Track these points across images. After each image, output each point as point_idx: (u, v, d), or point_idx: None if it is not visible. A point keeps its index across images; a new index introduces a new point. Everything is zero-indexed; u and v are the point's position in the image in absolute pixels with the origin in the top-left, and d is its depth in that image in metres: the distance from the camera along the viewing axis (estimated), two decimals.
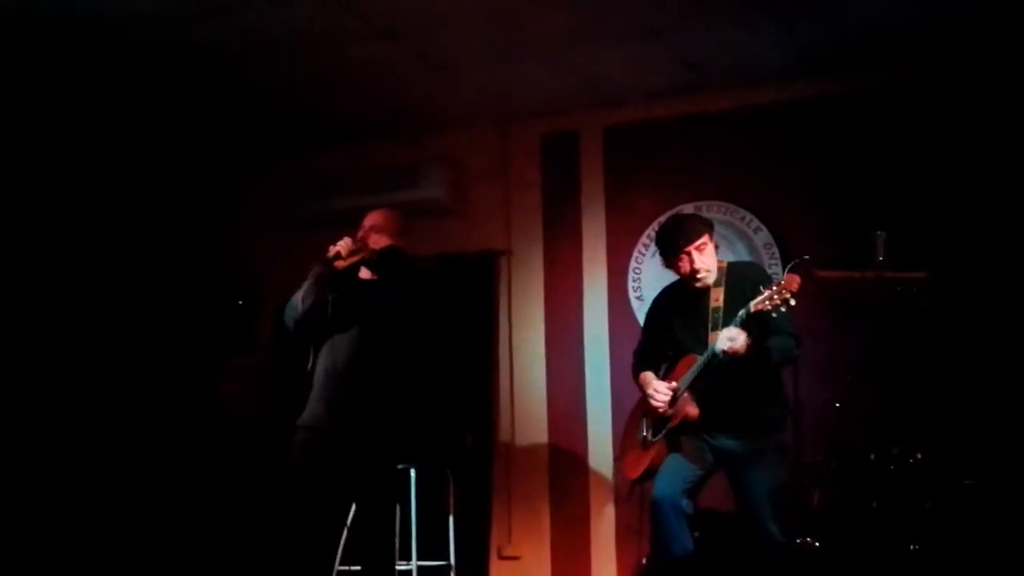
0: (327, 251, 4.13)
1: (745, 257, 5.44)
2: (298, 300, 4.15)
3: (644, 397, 4.18)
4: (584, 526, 5.74)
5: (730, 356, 3.73)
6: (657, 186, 5.79)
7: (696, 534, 3.97)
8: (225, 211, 6.60)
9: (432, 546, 5.37)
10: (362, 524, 4.16)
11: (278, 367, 5.93)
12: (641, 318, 5.61)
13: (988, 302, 4.88)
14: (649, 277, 5.71)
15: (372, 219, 4.32)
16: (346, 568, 4.67)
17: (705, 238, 3.96)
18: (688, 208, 5.58)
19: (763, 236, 5.52)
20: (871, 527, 4.29)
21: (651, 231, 5.74)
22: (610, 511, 5.68)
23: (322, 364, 4.19)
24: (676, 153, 5.77)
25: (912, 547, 4.18)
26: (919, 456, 4.40)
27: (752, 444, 3.89)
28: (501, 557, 5.89)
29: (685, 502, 3.89)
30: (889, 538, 4.24)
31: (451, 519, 5.41)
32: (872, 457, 4.41)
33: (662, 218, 5.51)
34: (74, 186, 6.03)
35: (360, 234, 4.26)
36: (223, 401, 6.09)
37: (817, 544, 4.31)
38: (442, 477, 5.50)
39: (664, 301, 4.27)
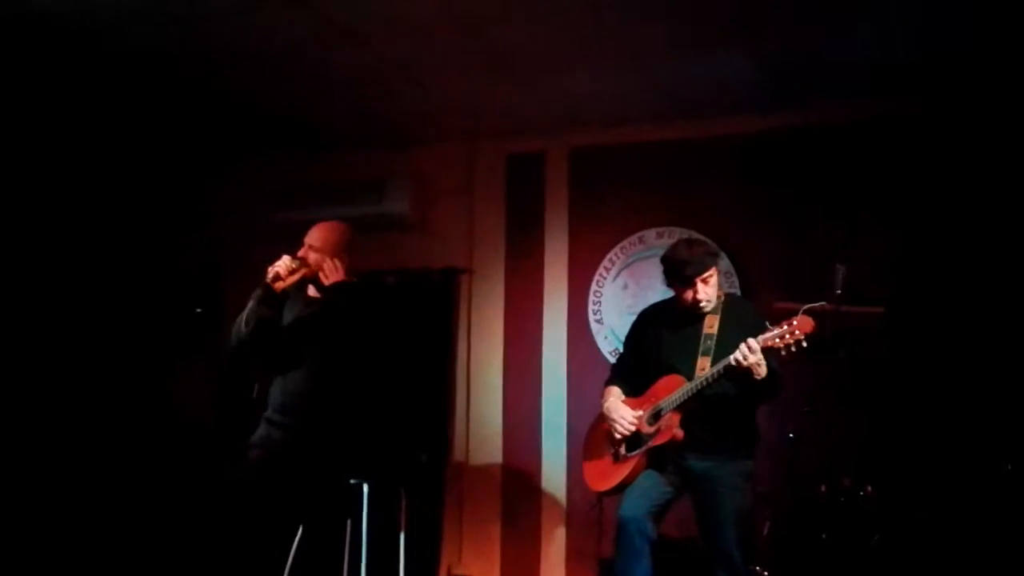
0: (266, 273, 4.03)
1: None
2: (242, 322, 4.06)
3: (604, 413, 4.18)
4: (535, 547, 5.74)
5: (739, 370, 3.72)
6: (621, 210, 5.82)
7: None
8: (186, 218, 6.53)
9: (382, 563, 5.33)
10: (310, 543, 4.11)
11: (233, 380, 5.88)
12: (600, 342, 5.69)
13: (944, 338, 4.94)
14: (609, 301, 5.75)
15: (312, 237, 4.18)
16: None
17: (712, 270, 3.99)
18: (651, 233, 5.65)
19: (723, 263, 5.53)
20: (821, 559, 4.32)
21: (613, 255, 5.78)
22: (561, 533, 5.68)
23: (277, 385, 4.14)
24: (641, 178, 5.80)
25: None
26: (870, 489, 4.45)
27: (723, 468, 3.92)
28: (451, 575, 5.86)
29: (650, 525, 3.92)
30: (838, 570, 4.27)
31: (402, 536, 5.37)
32: (823, 489, 4.45)
33: (635, 235, 5.67)
34: (35, 191, 5.93)
35: (300, 252, 4.13)
36: (179, 410, 6.02)
37: (767, 574, 4.34)
38: (395, 493, 5.47)
39: (653, 319, 4.26)
